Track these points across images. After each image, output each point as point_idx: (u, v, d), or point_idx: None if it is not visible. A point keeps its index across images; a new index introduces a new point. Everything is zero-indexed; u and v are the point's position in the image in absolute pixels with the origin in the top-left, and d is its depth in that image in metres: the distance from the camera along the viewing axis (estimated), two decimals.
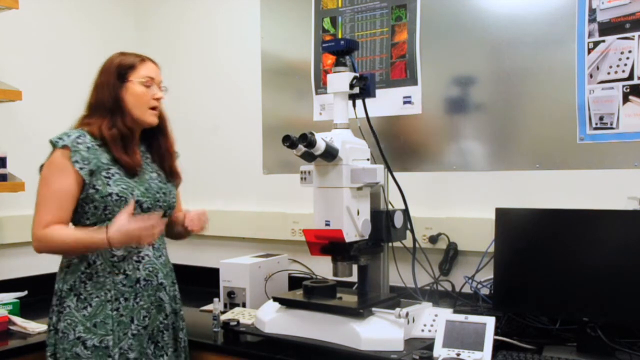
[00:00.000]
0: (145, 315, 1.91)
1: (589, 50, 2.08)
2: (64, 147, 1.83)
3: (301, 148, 1.84)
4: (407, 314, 1.83)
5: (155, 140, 2.04)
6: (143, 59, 1.98)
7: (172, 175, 2.05)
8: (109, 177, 1.86)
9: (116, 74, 1.92)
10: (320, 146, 1.83)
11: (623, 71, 2.02)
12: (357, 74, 2.03)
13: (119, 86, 1.91)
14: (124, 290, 1.87)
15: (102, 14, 3.17)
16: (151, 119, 1.96)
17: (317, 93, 2.68)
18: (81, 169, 1.83)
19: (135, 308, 1.89)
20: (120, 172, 1.88)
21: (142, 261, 1.92)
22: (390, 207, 2.11)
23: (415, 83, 2.43)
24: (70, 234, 1.84)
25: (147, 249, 1.93)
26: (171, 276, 2.04)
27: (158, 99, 1.97)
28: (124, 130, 1.89)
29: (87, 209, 1.86)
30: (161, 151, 2.04)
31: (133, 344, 1.87)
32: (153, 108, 1.96)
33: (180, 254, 3.14)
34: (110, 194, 1.84)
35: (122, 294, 1.87)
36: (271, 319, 2.02)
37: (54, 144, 1.86)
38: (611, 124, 2.05)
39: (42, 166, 1.89)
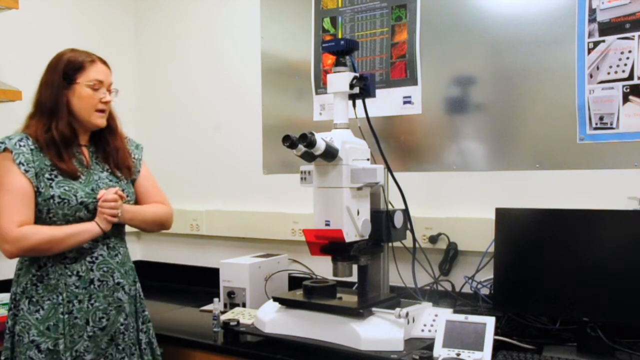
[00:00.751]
0: (101, 317, 1.89)
1: (589, 50, 2.08)
2: (5, 150, 1.82)
3: (301, 148, 1.84)
4: (407, 314, 1.83)
5: (102, 139, 1.99)
6: (93, 59, 1.92)
7: (122, 172, 2.00)
8: (51, 179, 1.84)
9: (62, 73, 1.88)
10: (320, 146, 1.83)
11: (623, 71, 2.02)
12: (357, 74, 2.03)
13: (65, 87, 1.88)
14: (78, 292, 1.85)
15: (102, 14, 3.17)
16: (98, 121, 1.93)
17: (317, 93, 2.68)
18: (27, 171, 1.81)
19: (90, 310, 1.87)
20: (65, 174, 1.86)
21: (96, 262, 1.89)
22: (390, 207, 2.11)
23: (415, 83, 2.43)
24: (54, 227, 1.83)
25: (100, 248, 1.91)
26: (131, 275, 2.01)
27: (106, 103, 1.93)
28: (58, 136, 1.85)
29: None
30: (108, 149, 1.99)
31: (89, 345, 1.86)
32: (101, 110, 1.92)
33: (180, 254, 3.15)
34: (52, 197, 1.82)
35: (75, 296, 1.85)
36: (271, 319, 2.02)
37: None
38: (611, 124, 2.05)
39: None
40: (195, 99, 3.11)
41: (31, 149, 1.84)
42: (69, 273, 1.85)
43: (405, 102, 2.46)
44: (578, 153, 2.12)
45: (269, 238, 2.83)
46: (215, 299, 2.23)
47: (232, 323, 2.10)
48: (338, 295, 2.05)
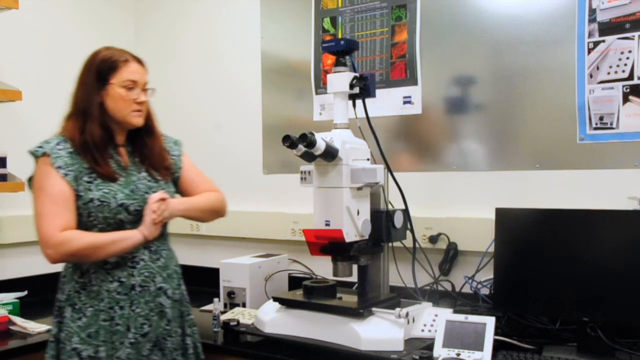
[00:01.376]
0: (143, 323, 1.84)
1: (589, 50, 2.08)
2: (44, 154, 1.79)
3: (301, 148, 1.84)
4: (407, 314, 1.83)
5: (140, 139, 1.95)
6: (127, 59, 1.87)
7: (160, 174, 1.95)
8: (90, 182, 1.81)
9: (96, 73, 1.84)
10: (320, 146, 1.83)
11: (623, 71, 2.03)
12: (357, 74, 2.03)
13: (98, 88, 1.84)
14: (119, 299, 1.81)
15: (102, 14, 3.17)
16: (135, 120, 1.88)
17: (317, 93, 2.68)
18: (66, 174, 1.78)
19: (132, 316, 1.82)
20: (103, 177, 1.83)
21: (137, 266, 1.85)
22: (390, 207, 2.11)
23: (415, 83, 2.43)
24: (97, 234, 1.80)
25: (142, 252, 1.86)
26: (175, 279, 1.96)
27: (140, 103, 1.88)
28: (90, 139, 1.82)
29: None
30: (145, 150, 1.94)
31: (131, 352, 1.82)
32: (137, 110, 1.88)
33: (180, 254, 3.14)
34: (91, 200, 1.79)
35: (117, 302, 1.81)
36: (271, 319, 2.02)
37: (34, 154, 1.81)
38: (611, 124, 2.05)
39: (30, 179, 1.85)
40: (195, 99, 3.11)
41: (69, 152, 1.81)
42: (111, 279, 1.82)
43: (405, 102, 2.46)
44: (578, 153, 2.12)
45: (269, 238, 2.83)
46: (215, 299, 2.23)
47: (232, 323, 2.10)
48: (338, 295, 2.05)
